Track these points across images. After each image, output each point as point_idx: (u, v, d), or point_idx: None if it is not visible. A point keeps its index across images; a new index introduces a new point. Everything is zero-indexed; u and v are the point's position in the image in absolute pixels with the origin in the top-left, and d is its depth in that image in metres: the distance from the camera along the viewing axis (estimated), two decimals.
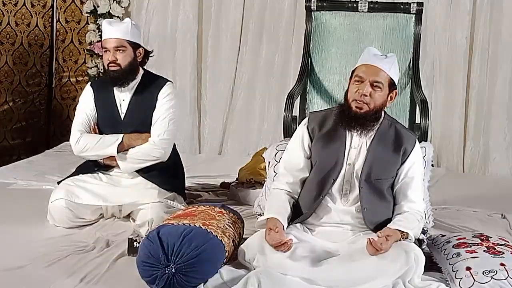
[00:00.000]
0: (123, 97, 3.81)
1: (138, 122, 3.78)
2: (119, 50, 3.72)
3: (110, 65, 3.73)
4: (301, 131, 3.18)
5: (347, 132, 3.08)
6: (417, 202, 3.09)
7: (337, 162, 3.06)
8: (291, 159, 3.19)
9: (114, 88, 3.81)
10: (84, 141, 3.73)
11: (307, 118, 3.21)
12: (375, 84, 3.00)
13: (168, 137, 3.77)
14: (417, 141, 3.14)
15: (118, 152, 3.71)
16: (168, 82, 3.87)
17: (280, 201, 3.11)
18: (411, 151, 3.09)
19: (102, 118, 3.83)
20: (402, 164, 3.08)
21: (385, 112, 3.15)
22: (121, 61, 3.72)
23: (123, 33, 3.72)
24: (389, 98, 3.07)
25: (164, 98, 3.79)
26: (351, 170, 3.07)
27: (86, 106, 3.84)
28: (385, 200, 3.08)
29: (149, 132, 3.77)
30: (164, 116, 3.77)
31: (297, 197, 3.15)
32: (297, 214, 3.13)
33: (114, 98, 3.81)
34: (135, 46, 3.77)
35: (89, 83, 4.00)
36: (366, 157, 3.06)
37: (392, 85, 3.05)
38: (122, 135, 3.73)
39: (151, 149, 3.73)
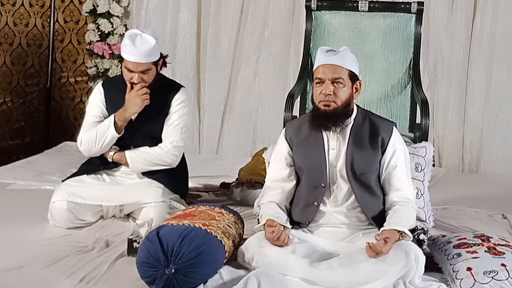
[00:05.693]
0: None
1: (149, 125, 3.75)
2: (145, 73, 3.67)
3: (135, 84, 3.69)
4: (280, 142, 3.21)
5: (323, 135, 3.09)
6: (404, 190, 3.09)
7: (321, 167, 3.08)
8: (275, 171, 3.21)
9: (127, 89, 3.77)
10: (85, 140, 3.72)
11: (284, 129, 3.24)
12: (335, 81, 3.02)
13: (181, 144, 3.76)
14: (394, 128, 3.13)
15: (118, 132, 3.67)
16: (182, 88, 3.86)
17: (273, 208, 3.12)
18: (388, 140, 3.09)
19: None
20: (382, 154, 3.09)
21: (358, 106, 3.16)
22: (147, 80, 3.68)
23: (149, 56, 3.65)
24: (354, 90, 3.08)
25: (179, 105, 3.77)
26: (334, 171, 3.09)
27: (95, 107, 3.81)
28: (375, 193, 3.09)
29: (159, 135, 3.74)
30: (178, 123, 3.76)
31: (289, 207, 3.17)
32: (293, 224, 3.13)
33: (125, 99, 3.76)
34: (157, 60, 3.73)
35: (100, 83, 3.96)
36: (346, 156, 3.06)
37: (353, 77, 3.06)
38: (112, 116, 3.69)
39: (164, 154, 3.72)
